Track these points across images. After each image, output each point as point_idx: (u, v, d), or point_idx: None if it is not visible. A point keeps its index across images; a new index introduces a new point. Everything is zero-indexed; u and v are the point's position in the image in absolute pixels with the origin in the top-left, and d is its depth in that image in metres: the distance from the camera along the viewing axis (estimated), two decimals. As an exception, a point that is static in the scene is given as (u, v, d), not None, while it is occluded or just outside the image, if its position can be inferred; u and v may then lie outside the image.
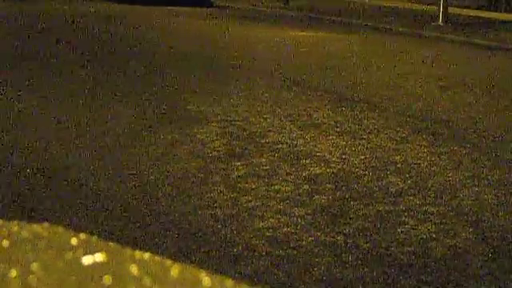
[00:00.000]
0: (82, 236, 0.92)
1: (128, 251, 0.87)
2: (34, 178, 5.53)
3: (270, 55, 12.73)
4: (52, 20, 17.51)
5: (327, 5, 25.21)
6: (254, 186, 5.51)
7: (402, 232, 4.72)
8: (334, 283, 3.95)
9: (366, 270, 4.13)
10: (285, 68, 11.27)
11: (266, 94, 9.06)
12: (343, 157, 6.41)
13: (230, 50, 13.24)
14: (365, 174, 5.93)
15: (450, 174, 6.04)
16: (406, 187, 5.65)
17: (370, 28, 18.50)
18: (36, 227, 0.96)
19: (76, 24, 16.79)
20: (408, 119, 8.02)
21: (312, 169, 6.01)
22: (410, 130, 7.53)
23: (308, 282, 3.96)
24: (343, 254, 4.33)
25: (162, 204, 5.07)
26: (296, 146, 6.71)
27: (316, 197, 5.33)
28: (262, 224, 4.76)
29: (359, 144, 6.87)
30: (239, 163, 6.10)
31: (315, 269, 4.11)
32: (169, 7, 22.84)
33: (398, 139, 7.11)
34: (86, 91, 8.88)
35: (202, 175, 5.75)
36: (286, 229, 4.69)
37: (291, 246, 4.42)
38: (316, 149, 6.64)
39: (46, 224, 0.97)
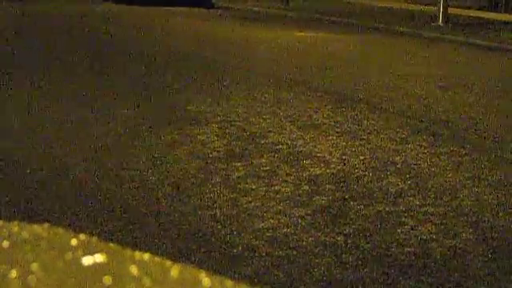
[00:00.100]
0: (82, 237, 0.92)
1: (128, 252, 0.87)
2: (34, 178, 5.53)
3: (270, 56, 12.73)
4: (51, 20, 17.51)
5: (327, 5, 25.22)
6: (253, 187, 5.51)
7: (401, 232, 4.72)
8: (334, 284, 3.95)
9: (366, 270, 4.13)
10: (285, 68, 11.27)
11: (266, 95, 9.06)
12: (343, 157, 6.41)
13: (230, 50, 13.24)
14: (365, 175, 5.93)
15: (450, 175, 6.04)
16: (406, 188, 5.65)
17: (369, 28, 18.50)
18: (36, 228, 0.96)
19: (75, 24, 16.79)
20: (408, 120, 8.01)
21: (312, 169, 6.01)
22: (410, 130, 7.53)
23: (308, 282, 3.96)
24: (343, 255, 4.33)
25: (161, 204, 5.07)
26: (296, 146, 6.71)
27: (316, 197, 5.33)
28: (261, 224, 4.75)
29: (359, 144, 6.87)
30: (239, 164, 6.10)
31: (315, 269, 4.11)
32: (167, 8, 22.84)
33: (398, 140, 7.11)
34: (86, 92, 8.88)
35: (202, 176, 5.75)
36: (285, 229, 4.69)
37: (291, 246, 4.42)
38: (316, 149, 6.64)
39: (46, 225, 0.97)
